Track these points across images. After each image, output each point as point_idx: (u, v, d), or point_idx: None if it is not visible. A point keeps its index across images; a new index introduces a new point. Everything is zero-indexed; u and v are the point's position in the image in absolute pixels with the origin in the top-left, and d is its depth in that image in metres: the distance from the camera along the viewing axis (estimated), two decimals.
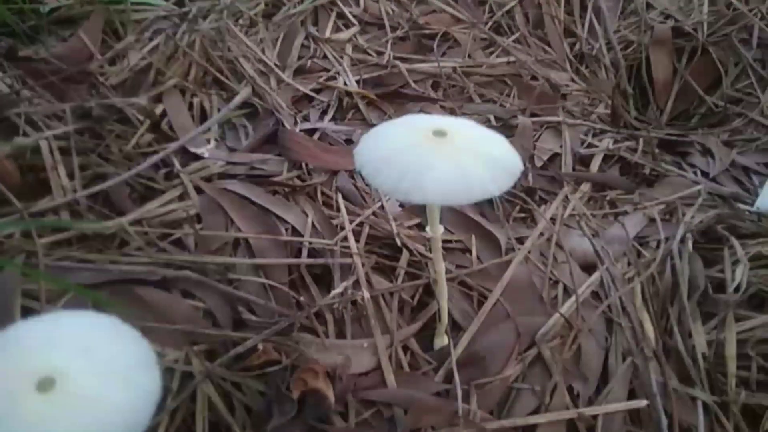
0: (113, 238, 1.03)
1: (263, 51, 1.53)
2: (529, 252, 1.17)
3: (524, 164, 1.39)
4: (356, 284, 1.05)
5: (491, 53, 1.67)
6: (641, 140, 1.50)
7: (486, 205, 1.30)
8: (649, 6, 1.90)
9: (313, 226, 1.12)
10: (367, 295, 1.03)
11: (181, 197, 1.12)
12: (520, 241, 1.21)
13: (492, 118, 1.49)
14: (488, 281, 1.11)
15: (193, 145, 1.22)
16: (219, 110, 1.36)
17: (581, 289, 1.13)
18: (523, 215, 1.29)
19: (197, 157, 1.21)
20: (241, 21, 1.59)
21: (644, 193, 1.39)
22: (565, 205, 1.32)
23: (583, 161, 1.47)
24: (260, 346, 0.93)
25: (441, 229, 0.89)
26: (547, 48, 1.77)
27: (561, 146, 1.46)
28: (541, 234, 1.22)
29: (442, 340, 1.03)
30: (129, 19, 1.36)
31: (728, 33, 1.80)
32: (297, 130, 1.33)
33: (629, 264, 1.22)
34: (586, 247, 1.22)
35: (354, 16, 1.68)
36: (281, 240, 1.08)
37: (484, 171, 0.77)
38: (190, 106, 1.30)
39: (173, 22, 1.43)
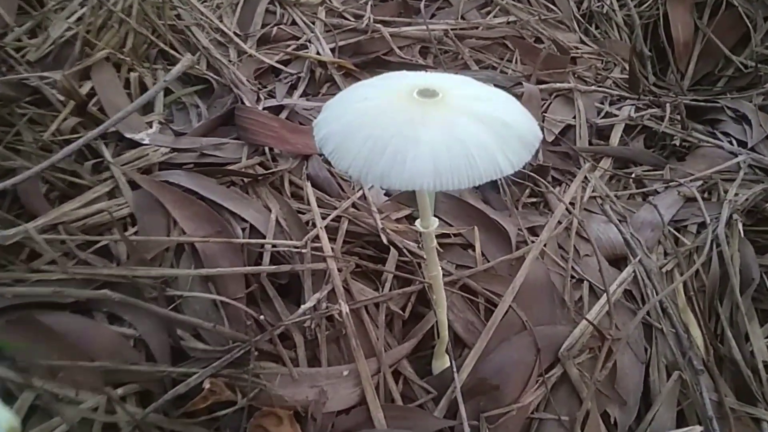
0: (20, 249, 0.81)
1: (220, 19, 1.31)
2: (544, 245, 0.96)
3: None
4: (332, 295, 0.83)
5: (488, 13, 1.45)
6: (667, 107, 1.29)
7: (489, 189, 1.08)
8: None
9: (278, 223, 0.91)
10: (345, 308, 0.81)
11: (111, 194, 0.90)
12: (533, 231, 1.00)
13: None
14: (497, 284, 0.90)
15: (129, 129, 1.00)
16: (169, 90, 1.14)
17: (612, 287, 0.92)
18: (534, 200, 1.08)
19: (135, 145, 0.99)
20: None
21: (675, 168, 1.18)
22: (584, 186, 1.10)
23: (601, 133, 1.25)
24: (207, 384, 0.72)
25: (435, 222, 0.68)
26: (551, 6, 1.54)
27: (574, 117, 1.25)
28: (559, 222, 1.01)
29: (442, 362, 0.82)
30: None
31: None
32: (260, 108, 1.11)
33: (666, 254, 1.01)
34: (613, 236, 1.01)
35: None
36: (236, 243, 0.86)
37: (490, 141, 0.56)
38: (127, 84, 1.07)
39: None
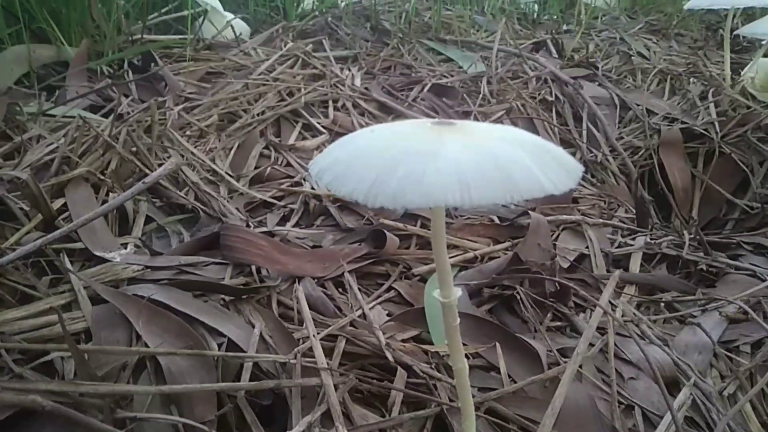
0: None
1: (213, 160, 1.27)
2: (581, 366, 0.81)
3: (548, 265, 1.07)
4: (326, 419, 0.66)
5: None
6: (686, 234, 1.21)
7: (506, 312, 0.95)
8: (649, 112, 1.72)
9: (262, 339, 0.76)
10: None
11: (67, 307, 0.77)
12: (563, 353, 0.85)
13: (496, 218, 1.20)
14: (530, 408, 0.74)
15: (99, 247, 0.89)
16: (151, 219, 1.06)
17: (674, 409, 0.75)
18: (558, 324, 0.94)
19: (104, 263, 0.87)
20: (189, 132, 1.35)
21: (708, 292, 1.06)
22: (613, 310, 0.97)
23: (618, 264, 1.15)
24: None
25: (457, 292, 0.55)
26: None
27: (587, 247, 1.15)
28: (591, 345, 0.86)
29: None
30: (40, 110, 1.10)
31: (742, 133, 1.61)
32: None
33: (722, 377, 0.85)
34: (659, 357, 0.85)
35: (323, 127, 1.46)
36: (210, 357, 0.71)
37: (527, 158, 0.46)
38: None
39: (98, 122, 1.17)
